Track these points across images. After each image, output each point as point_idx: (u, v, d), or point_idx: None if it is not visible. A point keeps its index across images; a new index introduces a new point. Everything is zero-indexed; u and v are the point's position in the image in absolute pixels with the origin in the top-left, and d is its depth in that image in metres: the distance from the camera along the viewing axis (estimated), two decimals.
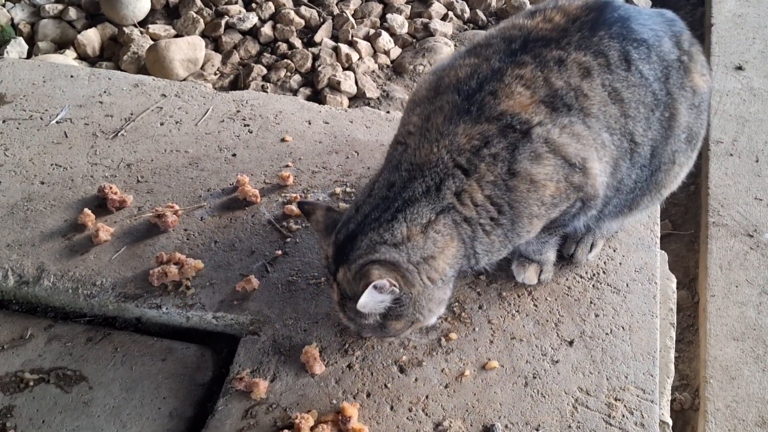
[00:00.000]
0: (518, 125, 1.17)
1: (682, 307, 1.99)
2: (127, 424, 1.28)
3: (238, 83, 2.59)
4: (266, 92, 2.45)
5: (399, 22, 2.76)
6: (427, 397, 1.29)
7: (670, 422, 1.47)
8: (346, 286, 1.18)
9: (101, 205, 1.64)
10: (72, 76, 2.03)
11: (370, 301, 1.13)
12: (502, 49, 1.24)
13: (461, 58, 1.28)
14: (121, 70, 2.39)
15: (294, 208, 1.62)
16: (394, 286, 1.13)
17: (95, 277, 1.49)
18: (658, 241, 1.60)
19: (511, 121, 1.17)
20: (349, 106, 2.47)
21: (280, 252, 1.53)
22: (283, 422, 1.25)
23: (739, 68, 2.60)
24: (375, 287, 1.11)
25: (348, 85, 2.51)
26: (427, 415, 1.26)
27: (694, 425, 1.69)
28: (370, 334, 1.30)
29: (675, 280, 1.78)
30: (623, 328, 1.40)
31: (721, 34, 2.77)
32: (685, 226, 2.29)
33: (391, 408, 1.27)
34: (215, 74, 2.62)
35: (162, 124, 1.87)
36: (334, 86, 2.49)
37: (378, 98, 2.56)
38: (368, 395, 1.29)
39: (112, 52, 2.65)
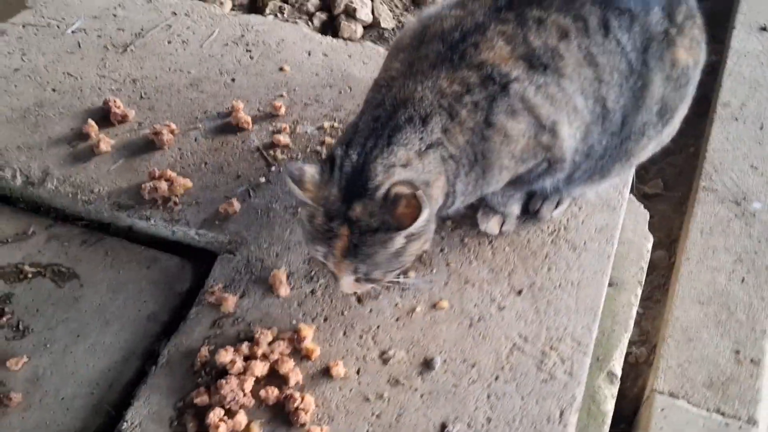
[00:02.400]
0: (498, 77, 1.22)
1: (658, 266, 2.04)
2: (110, 321, 1.43)
3: (257, 1, 2.62)
4: (283, 13, 2.49)
5: None
6: (378, 327, 1.41)
7: (619, 374, 1.59)
8: (368, 220, 1.16)
9: (105, 117, 1.75)
10: None
11: (421, 222, 1.15)
12: (488, 4, 1.28)
13: (448, 8, 1.32)
14: None
15: (282, 138, 1.71)
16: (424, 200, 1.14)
17: (93, 185, 1.62)
18: (626, 203, 1.67)
19: (491, 72, 1.22)
20: (363, 36, 2.50)
21: (263, 179, 1.64)
22: (246, 335, 1.39)
23: (764, 29, 2.52)
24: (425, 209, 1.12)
25: (364, 13, 2.52)
26: (375, 343, 1.39)
27: (645, 379, 1.79)
28: (381, 271, 1.25)
29: (651, 240, 1.84)
30: (572, 283, 1.50)
31: None
32: (677, 188, 2.31)
33: (344, 333, 1.40)
34: None
35: (169, 42, 1.95)
36: (350, 13, 2.51)
37: (393, 29, 2.57)
38: (325, 320, 1.42)
39: None
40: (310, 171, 1.20)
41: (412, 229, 1.16)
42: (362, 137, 1.21)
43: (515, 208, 1.53)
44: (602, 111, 1.30)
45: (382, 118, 1.22)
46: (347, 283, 1.26)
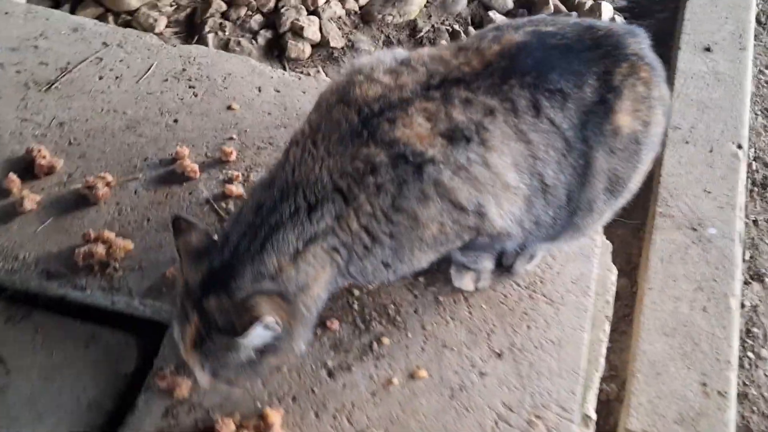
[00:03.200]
0: (411, 156, 1.10)
1: (621, 296, 2.01)
2: (44, 415, 1.25)
3: (194, 18, 2.44)
4: (224, 31, 2.32)
5: None
6: (353, 404, 1.29)
7: (594, 417, 1.52)
8: (218, 317, 1.07)
9: (28, 168, 1.55)
10: (6, 13, 1.87)
11: (256, 337, 1.07)
12: (421, 81, 1.17)
13: (382, 71, 1.20)
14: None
15: (235, 188, 1.55)
16: (279, 323, 1.07)
17: (18, 250, 1.43)
18: (599, 250, 1.60)
19: (403, 151, 1.10)
20: (311, 56, 2.36)
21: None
22: (204, 424, 1.24)
23: (708, 49, 2.52)
24: (265, 325, 1.04)
25: (312, 31, 2.39)
26: (351, 424, 1.27)
27: (617, 417, 1.75)
28: (231, 375, 1.15)
29: (615, 272, 1.79)
30: (552, 342, 1.42)
31: (695, 10, 2.66)
32: (635, 213, 2.28)
33: (316, 415, 1.27)
34: (171, 5, 2.46)
35: (101, 78, 1.75)
36: (297, 31, 2.37)
37: (342, 48, 2.45)
38: (294, 399, 1.29)
39: None
40: (199, 236, 1.14)
41: (251, 340, 1.07)
42: (238, 232, 1.13)
43: (488, 264, 1.43)
44: (541, 185, 1.20)
45: (264, 210, 1.13)
46: (200, 378, 1.15)
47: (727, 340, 1.74)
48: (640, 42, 1.26)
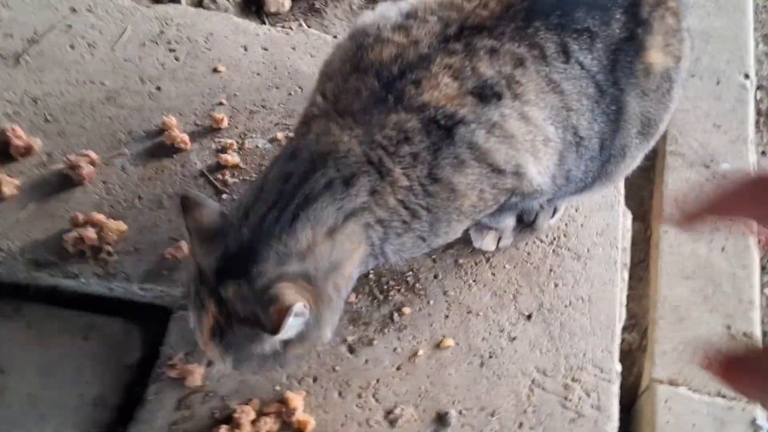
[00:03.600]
0: (443, 120, 1.00)
1: (635, 240, 1.93)
2: (46, 415, 1.16)
3: None
4: None
5: None
6: (378, 380, 1.21)
7: (619, 368, 1.45)
8: (239, 306, 0.95)
9: (4, 150, 1.41)
10: None
11: (290, 329, 0.95)
12: (436, 32, 1.05)
13: (389, 29, 1.08)
14: None
15: (230, 157, 1.44)
16: (308, 307, 0.95)
17: (1, 241, 1.31)
18: (622, 198, 1.51)
19: (435, 115, 1.00)
20: (291, 9, 2.20)
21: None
22: (222, 413, 1.15)
23: None
24: (294, 313, 0.91)
25: None
26: (377, 401, 1.19)
27: (640, 367, 1.69)
28: (253, 368, 1.05)
29: (630, 217, 1.71)
30: (582, 299, 1.34)
31: None
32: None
33: (340, 394, 1.19)
34: None
35: (72, 47, 1.61)
36: None
37: None
38: (315, 380, 1.20)
39: None
40: (211, 213, 1.00)
41: (283, 335, 0.95)
42: (265, 205, 0.99)
43: (510, 221, 1.34)
44: (575, 139, 1.11)
45: (294, 178, 1.00)
46: (221, 370, 1.06)
47: (749, 279, 1.68)
48: None
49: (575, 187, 1.20)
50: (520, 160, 1.04)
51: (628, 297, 1.78)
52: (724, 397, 1.52)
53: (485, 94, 1.01)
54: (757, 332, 1.61)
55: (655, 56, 1.11)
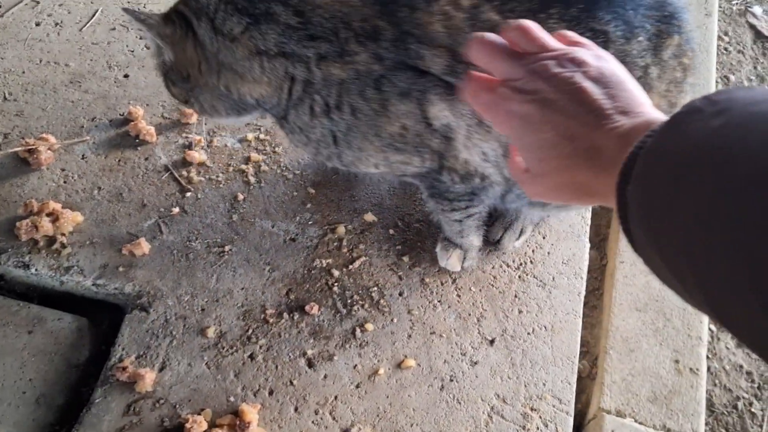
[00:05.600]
0: (417, 58, 0.97)
1: (591, 268, 1.95)
2: None
3: None
4: None
5: None
6: (336, 397, 1.17)
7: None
8: None
9: None
10: None
11: None
12: None
13: None
14: None
15: (197, 154, 1.39)
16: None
17: None
18: (588, 228, 1.53)
19: (411, 44, 0.97)
20: None
21: (177, 209, 1.32)
22: (172, 422, 1.10)
23: None
24: None
25: None
26: (334, 419, 1.15)
27: (589, 395, 1.71)
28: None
29: (588, 246, 1.73)
30: (545, 328, 1.34)
31: None
32: None
33: (296, 410, 1.15)
34: None
35: (38, 24, 1.53)
36: None
37: None
38: (271, 393, 1.16)
39: None
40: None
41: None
42: None
43: (475, 240, 1.33)
44: None
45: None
46: None
47: (698, 315, 1.71)
48: (688, 23, 1.12)
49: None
50: (453, 124, 1.02)
51: (582, 324, 1.80)
52: (668, 430, 1.55)
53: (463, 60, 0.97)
54: (703, 369, 1.64)
55: (653, 98, 1.09)
